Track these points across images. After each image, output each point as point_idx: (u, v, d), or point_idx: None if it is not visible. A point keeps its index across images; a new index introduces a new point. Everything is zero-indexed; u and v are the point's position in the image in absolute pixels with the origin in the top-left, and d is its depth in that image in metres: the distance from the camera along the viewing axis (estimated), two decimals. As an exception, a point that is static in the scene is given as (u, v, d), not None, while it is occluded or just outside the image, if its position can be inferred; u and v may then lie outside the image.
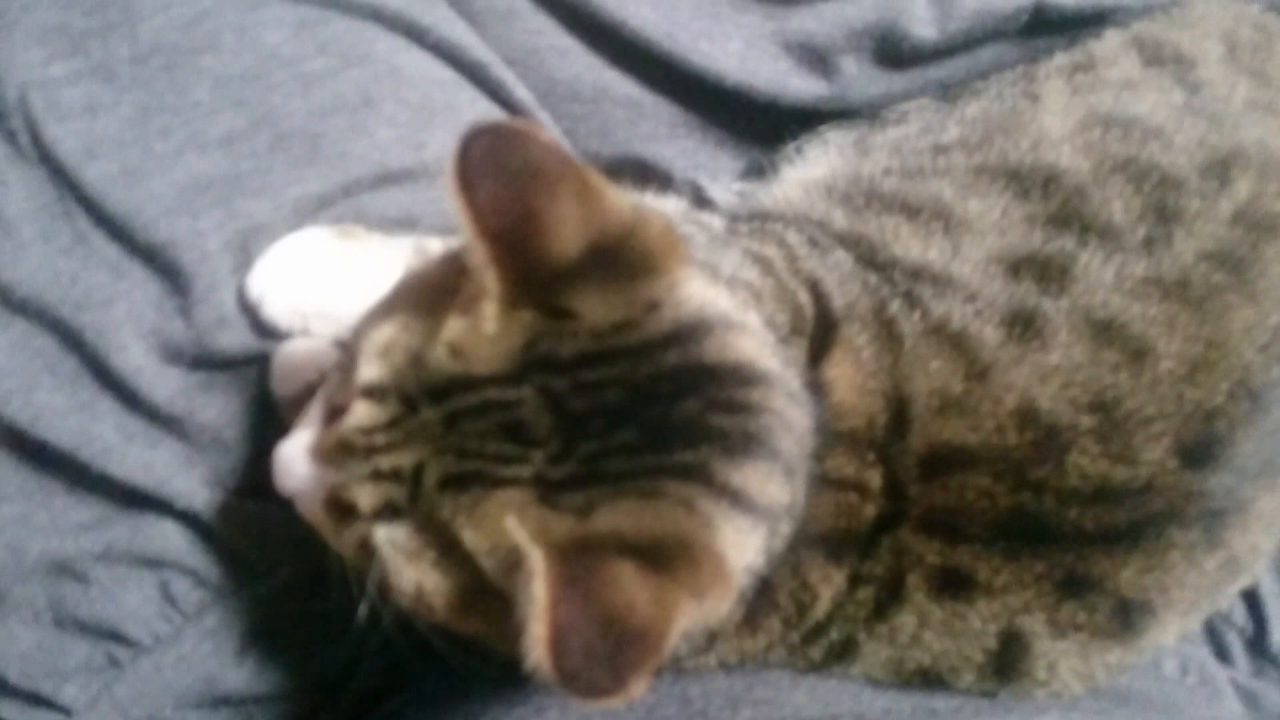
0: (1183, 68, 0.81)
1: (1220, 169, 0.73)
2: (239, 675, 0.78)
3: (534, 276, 0.55)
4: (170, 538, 0.78)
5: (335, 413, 0.61)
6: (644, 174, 0.96)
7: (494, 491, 0.55)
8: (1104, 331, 0.67)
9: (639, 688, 0.50)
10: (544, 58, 0.92)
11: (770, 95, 0.93)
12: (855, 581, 0.66)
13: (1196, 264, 0.69)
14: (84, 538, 0.77)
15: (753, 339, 0.61)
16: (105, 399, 0.76)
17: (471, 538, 0.55)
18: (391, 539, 0.57)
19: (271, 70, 0.80)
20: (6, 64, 0.77)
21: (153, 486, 0.77)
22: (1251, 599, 0.82)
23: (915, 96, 0.94)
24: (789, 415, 0.60)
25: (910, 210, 0.76)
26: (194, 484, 0.78)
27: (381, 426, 0.57)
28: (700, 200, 0.95)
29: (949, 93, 0.92)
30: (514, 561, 0.52)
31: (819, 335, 0.69)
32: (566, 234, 0.55)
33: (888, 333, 0.69)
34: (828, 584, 0.65)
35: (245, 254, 0.77)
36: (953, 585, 0.66)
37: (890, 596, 0.66)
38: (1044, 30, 0.91)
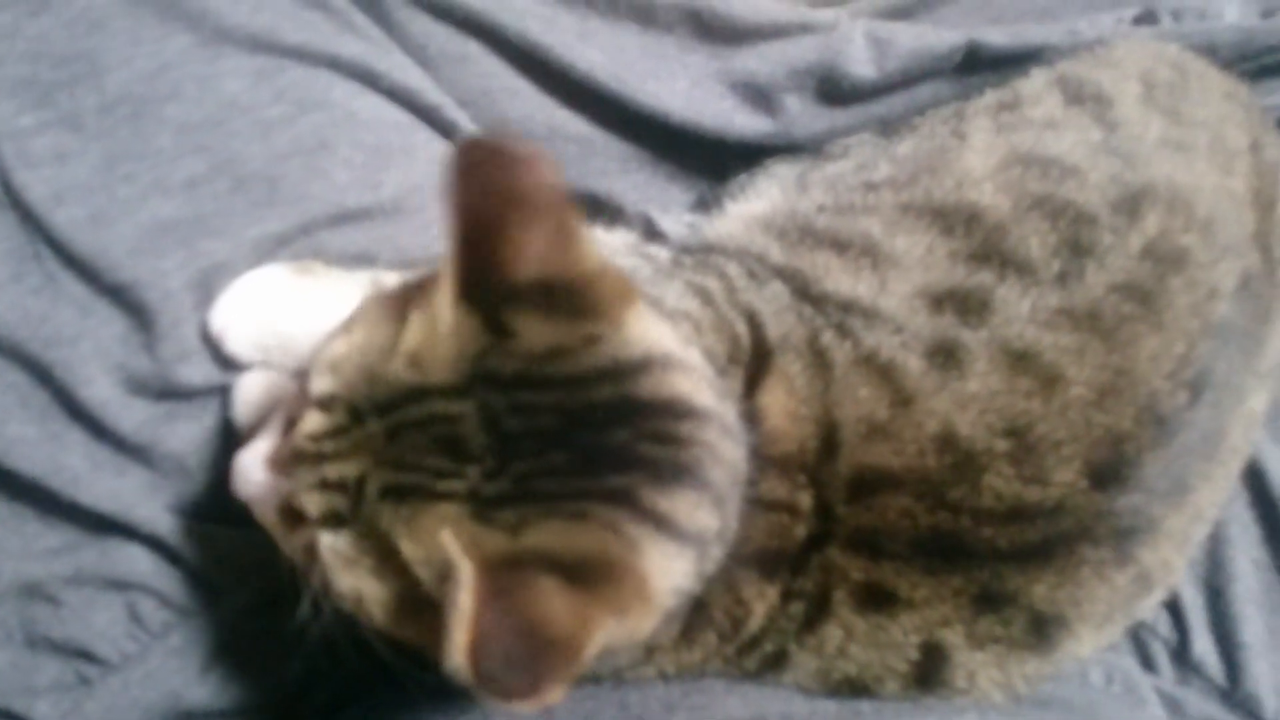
0: (1101, 106, 0.83)
1: (1131, 205, 0.75)
2: (203, 691, 0.80)
3: (486, 284, 0.58)
4: (136, 561, 0.80)
5: (292, 425, 0.64)
6: (595, 207, 0.98)
7: (431, 505, 0.57)
8: (1019, 361, 0.70)
9: (555, 694, 0.52)
10: (496, 99, 0.94)
11: (717, 132, 0.96)
12: (787, 597, 0.68)
13: (1107, 296, 0.72)
14: (54, 562, 0.79)
15: (690, 377, 0.63)
16: (74, 430, 0.78)
17: (409, 548, 0.57)
18: (334, 546, 0.60)
19: (231, 117, 0.82)
20: None
21: (120, 513, 0.78)
22: (1175, 611, 0.84)
23: (857, 131, 0.97)
24: (720, 448, 0.62)
25: (840, 246, 0.78)
26: (159, 510, 0.80)
27: (329, 434, 0.60)
28: (651, 232, 0.98)
29: (890, 127, 0.95)
30: (447, 573, 0.54)
31: (755, 364, 0.72)
32: (527, 259, 0.57)
33: (820, 362, 0.72)
34: (761, 600, 0.68)
35: (207, 291, 0.79)
36: (876, 600, 0.68)
37: (818, 611, 0.68)
38: (978, 68, 0.95)
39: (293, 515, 0.64)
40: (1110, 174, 0.77)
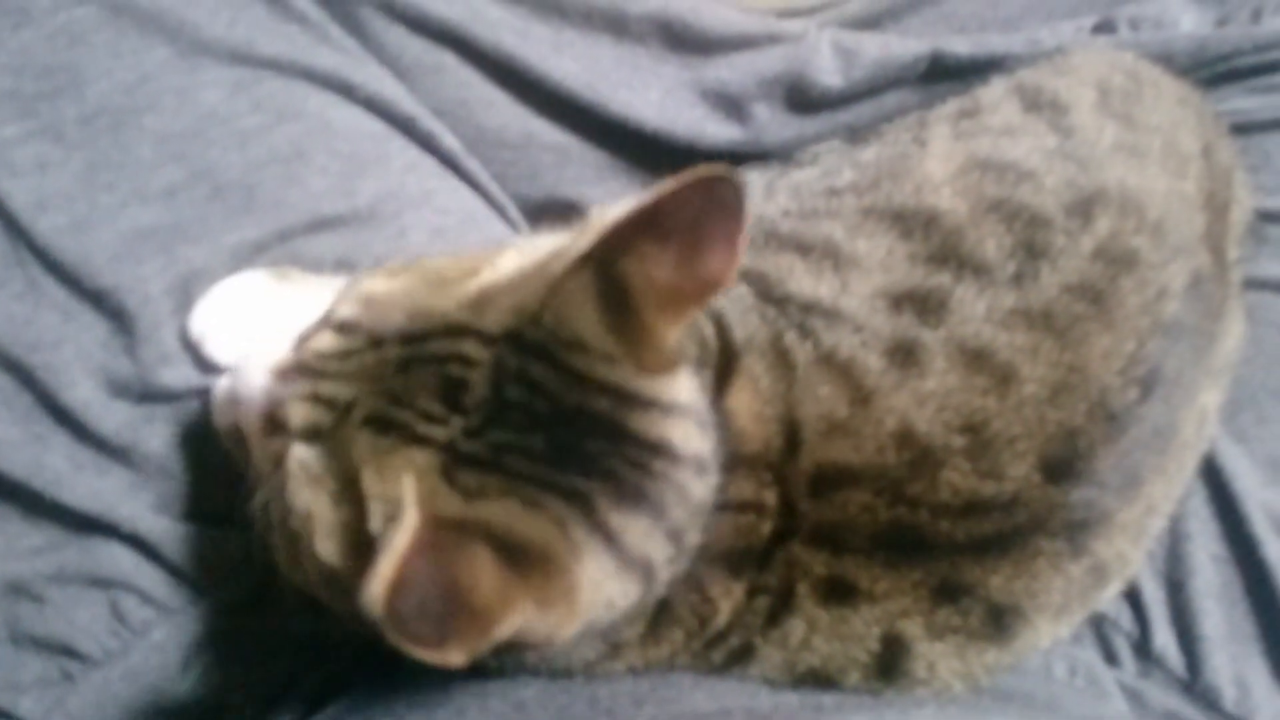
0: (1058, 113, 0.85)
1: (1084, 208, 0.76)
2: (184, 687, 0.81)
3: (618, 260, 0.59)
4: (119, 559, 0.81)
5: (303, 343, 0.66)
6: (571, 215, 0.98)
7: (405, 447, 0.59)
8: (975, 359, 0.71)
9: (456, 656, 0.53)
10: (472, 108, 0.96)
11: (689, 140, 0.98)
12: (752, 593, 0.69)
13: (1060, 296, 0.73)
14: (38, 560, 0.80)
15: (685, 425, 0.64)
16: (57, 432, 0.80)
17: (371, 481, 0.58)
18: (303, 460, 0.61)
19: (209, 127, 0.83)
20: None
21: (102, 512, 0.80)
22: (1136, 604, 0.85)
23: (826, 139, 0.98)
24: (689, 489, 0.64)
25: (803, 249, 0.80)
26: (141, 509, 0.81)
27: (337, 355, 0.62)
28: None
29: (858, 135, 0.97)
30: (396, 514, 0.55)
31: (722, 365, 0.73)
32: (669, 268, 0.60)
33: (783, 362, 0.73)
34: (728, 598, 0.69)
35: (186, 296, 0.80)
36: (838, 593, 0.69)
37: (782, 605, 0.69)
38: (943, 77, 0.96)
39: (274, 423, 0.65)
40: (1065, 178, 0.79)
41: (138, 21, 0.83)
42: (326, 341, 0.63)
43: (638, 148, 0.99)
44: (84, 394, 0.79)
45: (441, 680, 0.71)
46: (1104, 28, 0.98)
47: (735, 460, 0.68)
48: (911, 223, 0.79)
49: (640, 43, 0.98)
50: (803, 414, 0.71)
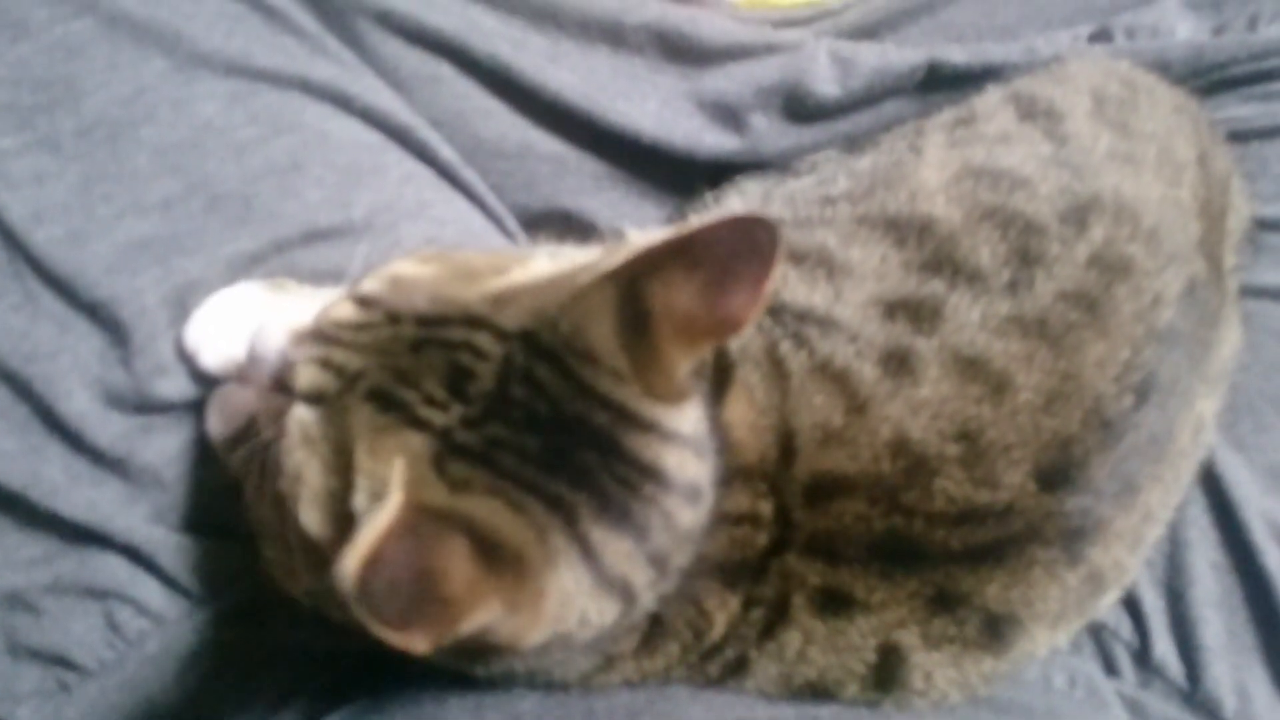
0: (1053, 121, 0.85)
1: (1079, 215, 0.76)
2: (179, 698, 0.81)
3: (641, 281, 0.60)
4: (114, 570, 0.81)
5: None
6: (569, 225, 1.00)
7: (402, 429, 0.59)
8: (970, 367, 0.71)
9: (420, 643, 0.53)
10: (469, 119, 0.96)
11: (686, 150, 0.98)
12: (748, 605, 0.69)
13: (1054, 304, 0.73)
14: (34, 571, 0.80)
15: (682, 453, 0.64)
16: (53, 443, 0.80)
17: (363, 456, 0.59)
18: (302, 420, 0.62)
19: (206, 139, 0.83)
20: None
21: (97, 523, 0.80)
22: (1136, 614, 0.85)
23: (823, 148, 0.99)
24: (678, 516, 0.63)
25: (798, 257, 0.80)
26: (136, 520, 0.81)
27: (353, 327, 0.63)
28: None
29: (855, 144, 0.97)
30: (381, 493, 0.56)
31: (718, 376, 0.73)
32: (695, 299, 0.60)
33: (777, 371, 0.73)
34: (723, 610, 0.68)
35: (182, 308, 0.81)
36: (834, 604, 0.69)
37: (778, 616, 0.69)
38: (940, 86, 0.96)
39: (282, 384, 0.66)
40: (1059, 186, 0.79)
41: (134, 34, 0.83)
42: (346, 311, 0.64)
43: (635, 158, 0.99)
44: (80, 405, 0.79)
45: (439, 693, 0.71)
46: (1100, 36, 0.98)
47: (731, 472, 0.68)
48: (905, 230, 0.79)
49: (637, 53, 0.98)
50: (798, 423, 0.71)
